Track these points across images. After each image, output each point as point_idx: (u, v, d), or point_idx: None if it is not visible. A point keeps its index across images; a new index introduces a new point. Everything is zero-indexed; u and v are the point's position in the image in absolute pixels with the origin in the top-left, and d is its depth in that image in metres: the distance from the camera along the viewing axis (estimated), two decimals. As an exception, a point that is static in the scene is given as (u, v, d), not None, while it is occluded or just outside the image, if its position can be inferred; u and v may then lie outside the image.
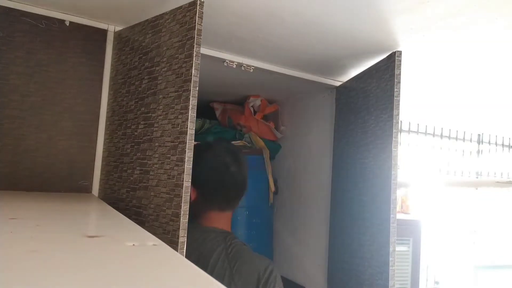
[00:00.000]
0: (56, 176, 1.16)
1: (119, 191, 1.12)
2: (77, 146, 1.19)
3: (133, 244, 0.55)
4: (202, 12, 0.93)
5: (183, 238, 0.89)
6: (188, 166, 0.91)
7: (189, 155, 0.91)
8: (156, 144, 1.01)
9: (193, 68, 0.92)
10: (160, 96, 1.01)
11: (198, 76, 0.93)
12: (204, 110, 2.09)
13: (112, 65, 1.24)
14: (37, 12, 1.13)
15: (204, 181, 1.15)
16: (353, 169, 1.46)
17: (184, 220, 0.89)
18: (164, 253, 0.54)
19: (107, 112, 1.23)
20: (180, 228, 0.89)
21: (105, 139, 1.22)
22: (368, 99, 1.39)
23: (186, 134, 0.91)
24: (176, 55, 0.98)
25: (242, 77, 1.61)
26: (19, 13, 1.11)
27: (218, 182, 1.17)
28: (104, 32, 1.23)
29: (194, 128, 0.92)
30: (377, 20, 1.11)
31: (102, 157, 1.22)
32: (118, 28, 1.24)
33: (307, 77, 1.59)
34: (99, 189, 1.22)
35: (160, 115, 1.01)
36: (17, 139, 1.11)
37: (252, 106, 1.97)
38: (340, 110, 1.62)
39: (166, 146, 0.97)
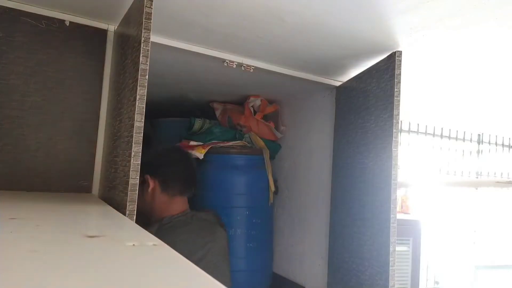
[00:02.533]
0: (56, 176, 1.16)
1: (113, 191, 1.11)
2: (77, 146, 1.19)
3: (133, 244, 0.55)
4: None
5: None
6: (135, 161, 0.84)
7: (136, 149, 0.84)
8: (121, 140, 0.97)
9: (141, 55, 0.85)
10: (126, 90, 0.97)
11: (147, 63, 0.86)
12: (204, 110, 2.09)
13: (112, 64, 1.24)
14: (37, 12, 1.13)
15: (168, 171, 1.43)
16: (353, 169, 1.46)
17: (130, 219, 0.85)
18: (164, 253, 0.54)
19: (107, 112, 1.23)
20: None
21: (104, 139, 1.22)
22: (368, 99, 1.39)
23: (133, 127, 0.85)
24: (134, 44, 0.92)
25: (242, 77, 1.61)
26: (19, 13, 1.11)
27: (179, 171, 1.46)
28: (104, 32, 1.23)
29: (142, 120, 0.85)
30: (377, 20, 1.11)
31: (102, 157, 1.22)
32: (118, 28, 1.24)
33: (307, 77, 1.59)
34: (99, 189, 1.22)
35: (125, 110, 0.97)
36: (17, 139, 1.11)
37: (252, 106, 1.97)
38: (340, 110, 1.62)
39: (124, 141, 0.93)
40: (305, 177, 1.85)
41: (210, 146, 1.78)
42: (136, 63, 0.88)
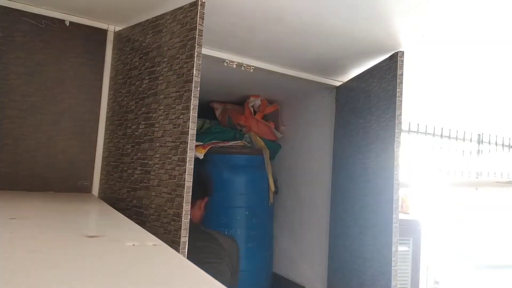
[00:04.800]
0: (56, 176, 1.16)
1: (119, 191, 1.12)
2: (77, 146, 1.19)
3: (133, 244, 0.55)
4: (204, 12, 0.93)
5: (184, 238, 0.89)
6: (189, 166, 0.90)
7: (190, 155, 0.91)
8: (157, 144, 1.01)
9: (194, 68, 0.92)
10: (161, 96, 1.01)
11: (199, 76, 0.93)
12: (204, 110, 2.09)
13: (112, 65, 1.24)
14: (37, 12, 1.13)
15: None
16: (353, 169, 1.46)
17: (185, 220, 0.89)
18: (164, 253, 0.54)
19: (107, 112, 1.23)
20: (182, 228, 0.89)
21: (105, 139, 1.22)
22: (370, 99, 1.39)
23: (188, 134, 0.91)
24: (177, 56, 0.98)
25: (242, 77, 1.61)
26: (19, 13, 1.11)
27: None
28: (104, 32, 1.23)
29: (195, 128, 0.92)
30: (378, 20, 1.11)
31: (102, 157, 1.22)
32: (118, 28, 1.23)
33: (307, 77, 1.59)
34: (99, 189, 1.21)
35: (161, 115, 1.01)
36: (17, 139, 1.11)
37: (252, 106, 1.97)
38: (341, 110, 1.62)
39: (167, 146, 0.97)
40: (305, 177, 1.85)
41: (210, 146, 1.78)
42: (185, 74, 0.94)
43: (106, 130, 1.23)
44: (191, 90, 0.92)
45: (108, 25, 1.23)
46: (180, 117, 0.94)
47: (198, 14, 0.92)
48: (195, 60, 0.92)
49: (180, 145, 0.93)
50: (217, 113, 2.06)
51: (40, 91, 1.14)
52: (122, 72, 1.18)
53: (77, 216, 0.85)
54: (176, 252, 0.54)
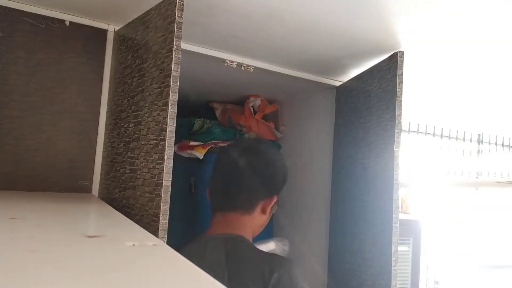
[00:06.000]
0: (56, 176, 1.16)
1: (113, 191, 1.11)
2: (77, 146, 1.19)
3: (133, 244, 0.55)
4: (183, 4, 0.91)
5: (162, 239, 0.86)
6: (168, 164, 0.88)
7: (169, 152, 0.88)
8: (143, 142, 0.99)
9: (173, 62, 0.89)
10: (147, 93, 0.99)
11: (178, 71, 0.90)
12: (204, 110, 2.09)
13: (111, 65, 1.24)
14: (37, 12, 1.13)
15: (211, 179, 1.12)
16: (353, 169, 1.46)
17: (163, 220, 0.86)
18: (164, 253, 0.54)
19: (106, 112, 1.23)
20: (159, 229, 0.86)
21: (104, 139, 1.22)
22: (370, 99, 1.39)
23: (166, 131, 0.88)
24: (160, 50, 0.95)
25: (242, 77, 1.61)
26: (19, 13, 1.11)
27: (218, 177, 1.10)
28: (104, 32, 1.23)
29: (174, 125, 0.89)
30: (378, 20, 1.11)
31: (102, 157, 1.22)
32: (118, 28, 1.24)
33: (307, 77, 1.59)
34: (99, 189, 1.21)
35: (146, 113, 0.98)
36: (17, 139, 1.11)
37: (252, 106, 1.97)
38: (341, 110, 1.62)
39: (150, 144, 0.95)
40: (305, 177, 1.85)
41: (210, 146, 1.78)
42: (165, 69, 0.92)
43: (105, 130, 1.23)
44: (170, 85, 0.89)
45: (108, 25, 1.23)
46: (160, 113, 0.92)
47: (177, 6, 0.90)
48: (173, 53, 0.89)
49: (160, 143, 0.91)
50: (217, 113, 2.06)
51: (40, 91, 1.14)
52: (118, 71, 1.18)
53: (77, 216, 0.84)
54: (177, 253, 0.54)
